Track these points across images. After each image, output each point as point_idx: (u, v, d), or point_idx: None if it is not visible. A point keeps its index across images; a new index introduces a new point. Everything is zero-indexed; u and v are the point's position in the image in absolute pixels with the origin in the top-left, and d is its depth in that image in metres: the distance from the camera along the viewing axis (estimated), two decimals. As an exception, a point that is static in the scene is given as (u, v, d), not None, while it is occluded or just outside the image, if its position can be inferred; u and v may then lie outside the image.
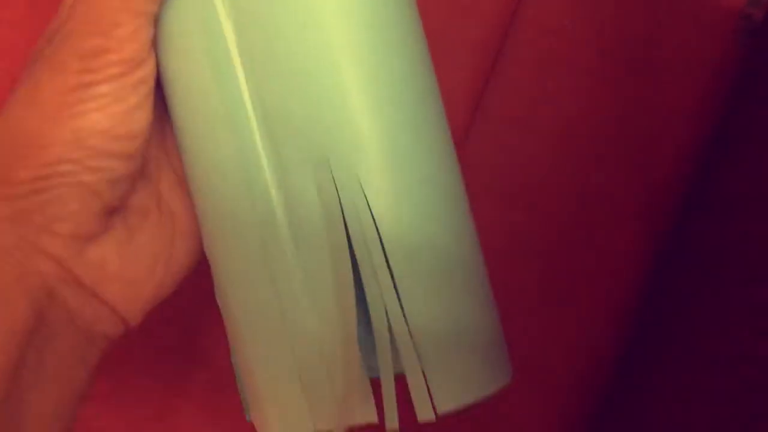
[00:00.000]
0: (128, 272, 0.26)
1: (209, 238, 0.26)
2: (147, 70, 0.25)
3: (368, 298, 0.23)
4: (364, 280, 0.23)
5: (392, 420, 0.24)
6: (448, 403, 0.24)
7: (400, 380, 0.25)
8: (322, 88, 0.23)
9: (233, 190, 0.24)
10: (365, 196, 0.23)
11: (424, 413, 0.24)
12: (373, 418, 0.24)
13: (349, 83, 0.23)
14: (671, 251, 0.41)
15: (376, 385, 0.24)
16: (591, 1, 0.41)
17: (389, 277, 0.23)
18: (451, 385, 0.24)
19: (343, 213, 0.23)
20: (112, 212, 0.26)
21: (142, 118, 0.25)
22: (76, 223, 0.25)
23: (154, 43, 0.25)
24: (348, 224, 0.23)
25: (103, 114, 0.24)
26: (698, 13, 0.41)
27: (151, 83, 0.25)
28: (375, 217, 0.23)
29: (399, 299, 0.24)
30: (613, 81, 0.41)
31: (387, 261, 0.23)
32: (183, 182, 0.28)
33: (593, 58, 0.41)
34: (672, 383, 0.38)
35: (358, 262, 0.23)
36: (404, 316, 0.24)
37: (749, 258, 0.35)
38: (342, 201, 0.23)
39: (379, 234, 0.23)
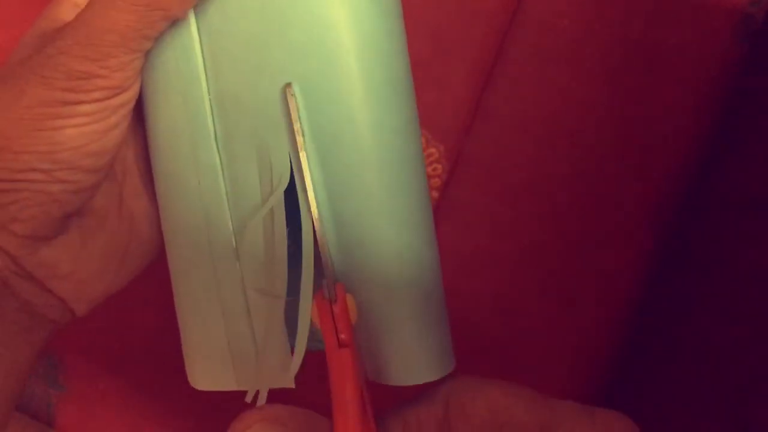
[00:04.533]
0: (79, 273, 0.27)
1: (161, 211, 0.27)
2: (130, 94, 0.25)
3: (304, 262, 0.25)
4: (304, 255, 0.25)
5: (291, 379, 0.25)
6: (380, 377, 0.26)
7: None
8: (272, 78, 0.24)
9: (183, 167, 0.26)
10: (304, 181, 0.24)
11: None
12: (291, 383, 0.25)
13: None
14: (671, 251, 0.41)
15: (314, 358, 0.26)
16: (591, 1, 0.41)
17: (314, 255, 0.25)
18: (385, 365, 0.25)
19: (281, 196, 0.25)
20: (70, 216, 0.26)
21: (117, 136, 0.25)
22: (33, 227, 0.25)
23: None
24: (286, 206, 0.25)
25: (80, 131, 0.24)
26: (699, 13, 0.41)
27: (131, 106, 0.25)
28: (315, 202, 0.25)
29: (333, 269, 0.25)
30: (613, 81, 0.41)
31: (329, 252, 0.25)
32: (148, 185, 0.28)
33: (593, 58, 0.41)
34: (671, 384, 0.38)
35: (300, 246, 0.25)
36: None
37: (749, 258, 0.35)
38: (276, 183, 0.25)
39: (316, 221, 0.25)
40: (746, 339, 0.33)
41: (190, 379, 0.27)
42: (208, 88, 0.25)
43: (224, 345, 0.26)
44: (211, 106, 0.25)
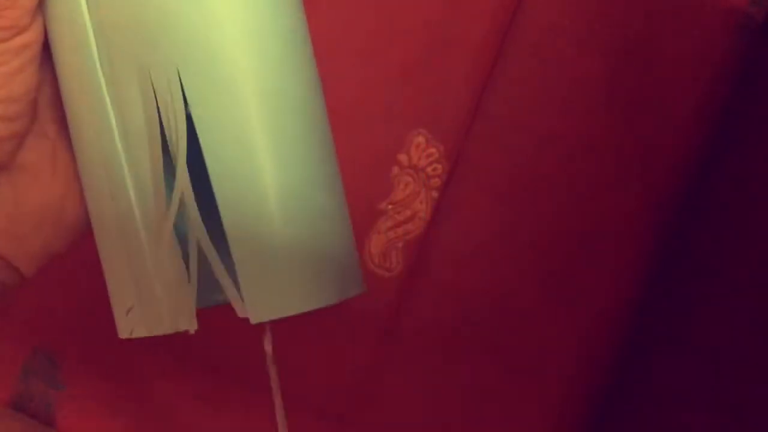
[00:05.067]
0: (14, 228, 0.27)
1: (76, 155, 0.27)
2: (31, 35, 0.25)
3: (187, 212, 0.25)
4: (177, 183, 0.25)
5: (192, 323, 0.25)
6: (266, 312, 0.25)
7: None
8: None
9: (77, 96, 0.25)
10: (184, 101, 0.24)
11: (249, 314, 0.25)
12: (193, 326, 0.25)
13: None
14: (671, 251, 0.41)
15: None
16: (591, 1, 0.41)
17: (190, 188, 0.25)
18: (269, 294, 0.25)
19: (160, 120, 0.25)
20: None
21: (25, 81, 0.25)
22: None
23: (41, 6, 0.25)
24: (164, 131, 0.25)
25: None
26: (699, 13, 0.41)
27: (36, 48, 0.25)
28: (192, 123, 0.24)
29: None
30: (613, 81, 0.41)
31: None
32: None
33: (593, 58, 0.41)
34: (672, 384, 0.38)
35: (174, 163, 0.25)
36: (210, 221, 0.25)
37: (749, 258, 0.35)
38: (159, 108, 0.24)
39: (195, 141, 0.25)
40: (746, 339, 0.33)
41: (118, 330, 0.28)
42: (89, 11, 0.25)
43: (133, 291, 0.26)
44: (92, 31, 0.25)
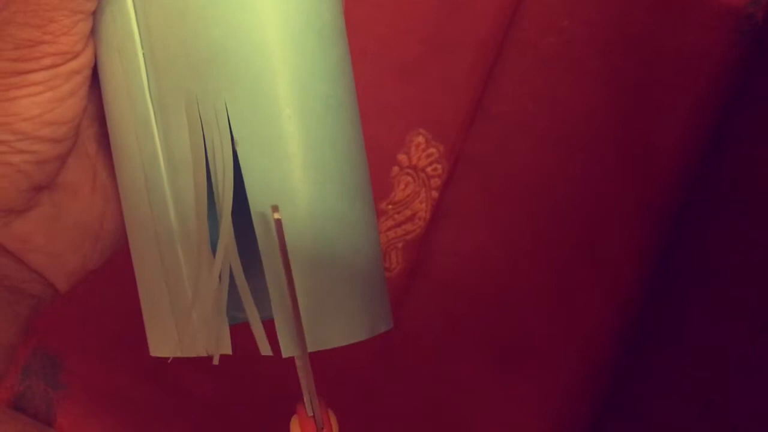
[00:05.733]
0: (53, 246, 0.27)
1: (117, 178, 0.27)
2: (82, 61, 0.25)
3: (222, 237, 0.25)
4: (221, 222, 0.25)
5: (265, 347, 0.25)
6: (316, 343, 0.25)
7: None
8: (196, 22, 0.24)
9: (124, 119, 0.26)
10: (231, 134, 0.24)
11: (289, 350, 0.25)
12: (228, 350, 0.25)
13: (223, 19, 0.24)
14: (671, 251, 0.41)
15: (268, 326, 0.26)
16: (591, 1, 0.41)
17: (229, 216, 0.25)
18: (321, 326, 0.25)
19: (206, 153, 0.25)
20: (41, 189, 0.26)
21: (74, 105, 0.25)
22: (1, 200, 0.25)
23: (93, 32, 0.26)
24: (209, 163, 0.25)
25: (34, 101, 0.24)
26: (699, 12, 0.41)
27: (87, 72, 0.25)
28: (238, 161, 0.24)
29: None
30: (613, 81, 0.41)
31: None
32: None
33: (593, 58, 0.41)
34: (672, 383, 0.38)
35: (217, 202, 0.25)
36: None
37: (749, 257, 0.35)
38: (206, 140, 0.24)
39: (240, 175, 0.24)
40: (746, 338, 0.33)
41: (150, 348, 0.28)
42: (141, 40, 0.25)
43: (168, 310, 0.26)
44: (144, 59, 0.25)
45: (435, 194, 0.41)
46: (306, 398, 0.25)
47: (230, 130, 0.24)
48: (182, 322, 0.26)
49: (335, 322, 0.25)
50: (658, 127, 0.41)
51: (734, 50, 0.41)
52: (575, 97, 0.41)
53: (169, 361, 0.26)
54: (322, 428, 0.25)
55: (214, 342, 0.25)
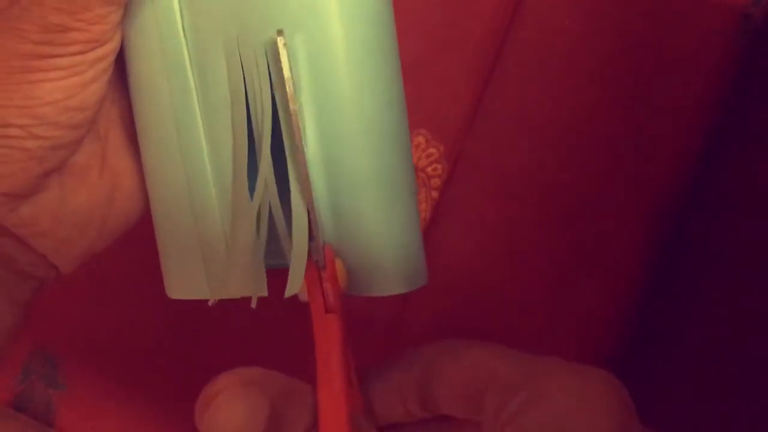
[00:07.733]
0: (60, 230, 0.26)
1: (136, 117, 0.27)
2: (109, 48, 0.24)
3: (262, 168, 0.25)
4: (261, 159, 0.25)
5: (295, 287, 0.24)
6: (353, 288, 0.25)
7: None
8: None
9: (151, 62, 0.25)
10: (269, 71, 0.24)
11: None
12: (264, 291, 0.25)
13: None
14: (671, 251, 0.41)
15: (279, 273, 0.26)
16: (591, 1, 0.41)
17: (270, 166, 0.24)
18: (359, 274, 0.25)
19: (245, 88, 0.24)
20: (50, 173, 0.26)
21: (97, 91, 0.25)
22: (11, 184, 0.24)
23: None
24: (248, 99, 0.24)
25: (58, 86, 0.24)
26: (698, 13, 0.41)
27: (111, 59, 0.25)
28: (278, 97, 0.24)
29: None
30: (613, 80, 0.41)
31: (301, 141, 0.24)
32: (133, 141, 0.28)
33: (593, 58, 0.41)
34: (671, 383, 0.38)
35: (256, 140, 0.25)
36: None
37: (749, 257, 0.35)
38: (245, 76, 0.24)
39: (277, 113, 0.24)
40: (746, 337, 0.33)
41: (166, 289, 0.27)
42: (184, 33, 0.25)
43: (197, 251, 0.26)
44: (187, 48, 0.25)
45: (435, 194, 0.41)
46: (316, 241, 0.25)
47: (269, 71, 0.24)
48: (213, 265, 0.25)
49: (376, 273, 0.25)
50: (657, 126, 0.41)
51: (734, 50, 0.41)
52: (575, 97, 0.41)
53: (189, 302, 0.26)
54: (324, 267, 0.24)
55: (251, 284, 0.25)
